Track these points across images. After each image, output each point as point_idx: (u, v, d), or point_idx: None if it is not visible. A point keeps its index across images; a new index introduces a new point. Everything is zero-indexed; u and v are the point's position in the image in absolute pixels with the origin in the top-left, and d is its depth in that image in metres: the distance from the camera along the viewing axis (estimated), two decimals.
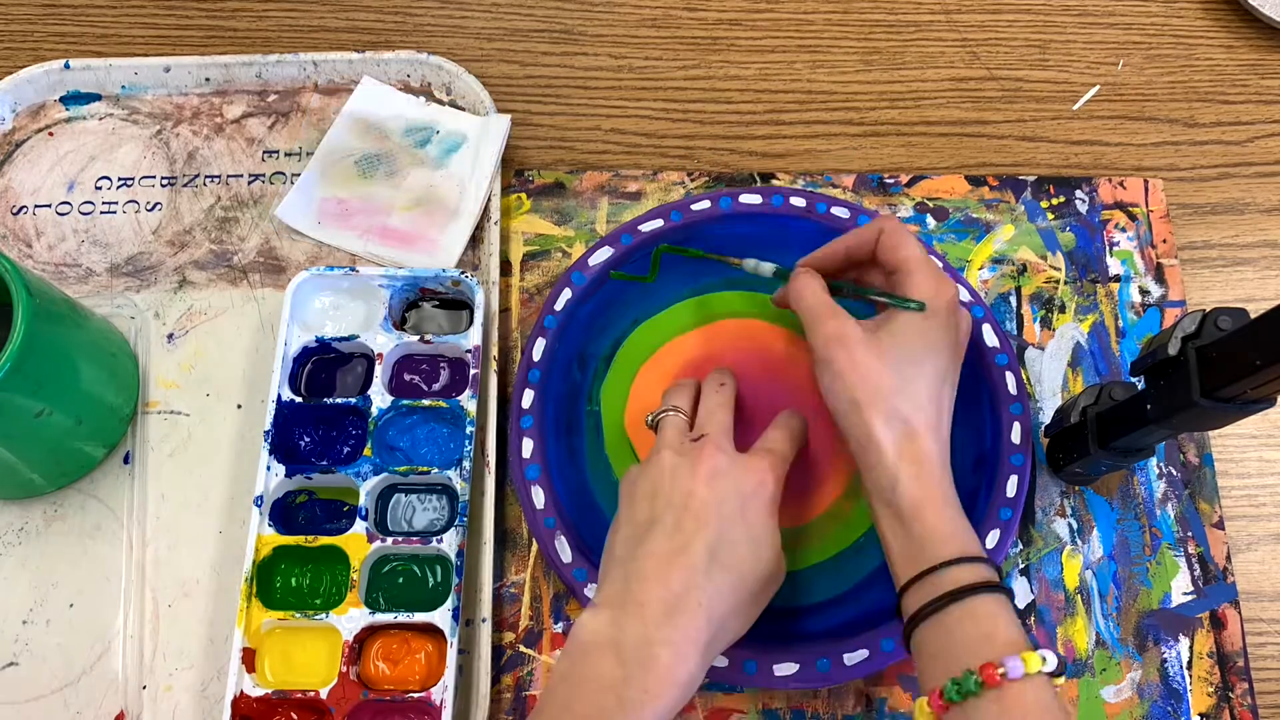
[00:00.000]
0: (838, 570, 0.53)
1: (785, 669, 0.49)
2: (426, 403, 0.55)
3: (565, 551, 0.52)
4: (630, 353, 0.58)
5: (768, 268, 0.52)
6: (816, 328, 0.47)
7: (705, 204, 0.60)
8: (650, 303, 0.59)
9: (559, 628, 0.54)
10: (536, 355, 0.56)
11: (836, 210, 0.59)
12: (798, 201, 0.60)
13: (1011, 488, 0.53)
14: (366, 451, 0.54)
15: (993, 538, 0.52)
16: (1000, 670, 0.38)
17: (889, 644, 0.49)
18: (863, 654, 0.49)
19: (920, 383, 0.45)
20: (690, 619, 0.41)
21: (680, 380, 0.54)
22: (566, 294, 0.58)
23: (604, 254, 0.58)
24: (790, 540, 0.53)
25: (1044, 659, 0.38)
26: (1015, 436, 0.54)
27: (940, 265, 0.51)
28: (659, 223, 0.59)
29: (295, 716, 0.50)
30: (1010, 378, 0.56)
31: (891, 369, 0.45)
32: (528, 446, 0.54)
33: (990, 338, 0.56)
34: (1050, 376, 0.59)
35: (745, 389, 0.55)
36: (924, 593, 0.42)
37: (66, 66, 0.64)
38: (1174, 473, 0.57)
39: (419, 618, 0.50)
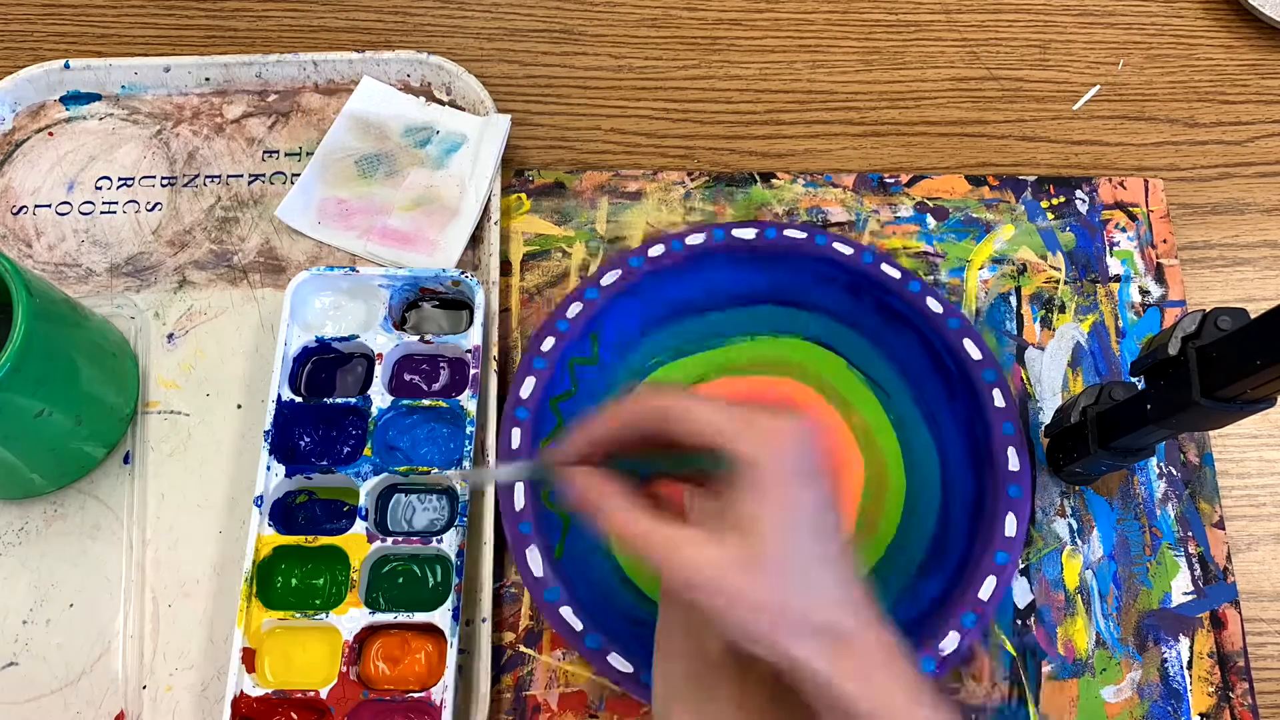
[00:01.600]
0: None
1: None
2: (426, 403, 0.55)
3: (538, 566, 0.52)
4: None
5: (522, 472, 0.49)
6: (663, 569, 0.35)
7: (700, 237, 0.59)
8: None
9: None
10: (524, 394, 0.55)
11: (840, 246, 0.58)
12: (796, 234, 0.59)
13: (1010, 527, 0.53)
14: (366, 451, 0.54)
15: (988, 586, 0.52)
16: None
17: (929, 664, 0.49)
18: None
19: (817, 562, 0.35)
20: None
21: None
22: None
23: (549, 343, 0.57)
24: None
25: None
26: (1013, 464, 0.54)
27: (724, 406, 0.35)
28: (661, 247, 0.58)
29: (295, 716, 0.50)
30: (998, 392, 0.55)
31: (779, 575, 0.34)
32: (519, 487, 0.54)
33: (975, 352, 0.56)
34: (1050, 376, 0.59)
35: None
36: None
37: (66, 66, 0.64)
38: (1174, 473, 0.57)
39: (419, 618, 0.50)
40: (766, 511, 0.34)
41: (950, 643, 0.50)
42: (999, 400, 0.55)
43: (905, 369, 0.57)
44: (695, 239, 0.58)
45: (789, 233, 0.59)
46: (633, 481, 0.37)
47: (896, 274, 0.58)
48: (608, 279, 0.57)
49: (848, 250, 0.58)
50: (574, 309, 0.57)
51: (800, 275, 0.58)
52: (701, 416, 0.35)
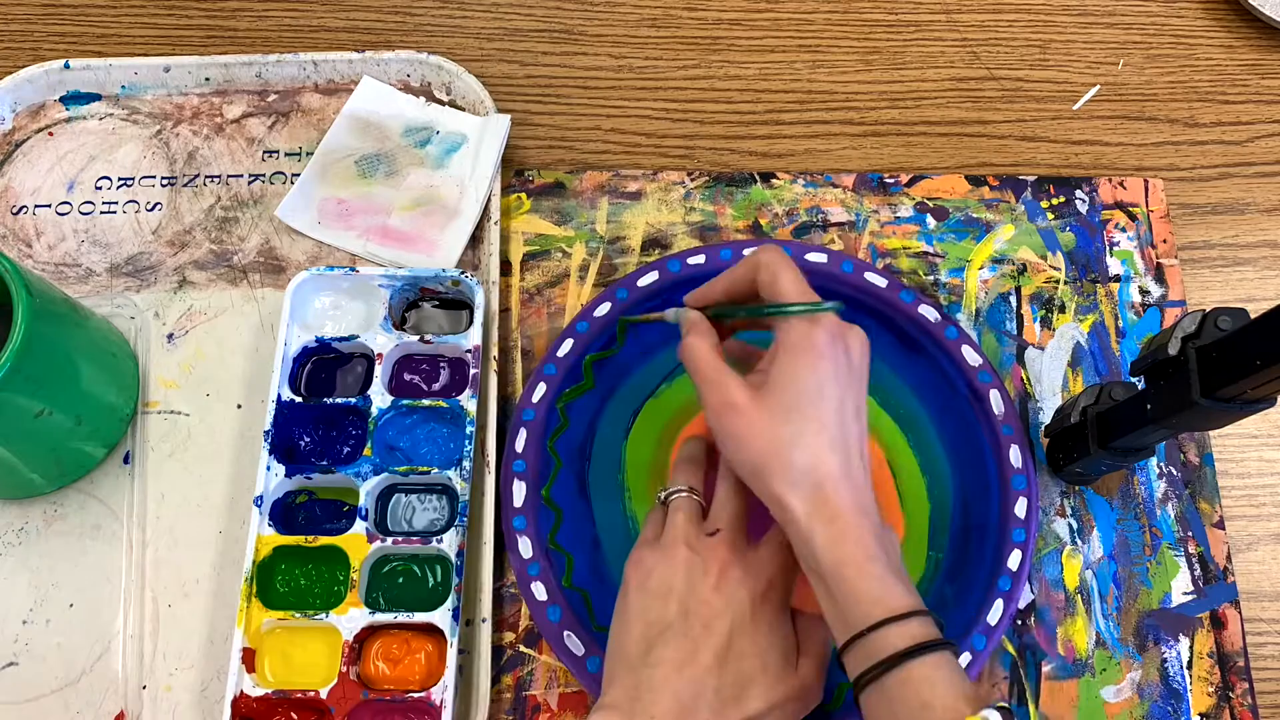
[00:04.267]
0: None
1: None
2: (426, 403, 0.55)
3: (527, 548, 0.53)
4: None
5: (674, 313, 0.49)
6: (705, 395, 0.45)
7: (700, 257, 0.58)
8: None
9: None
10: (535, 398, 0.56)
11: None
12: (816, 258, 0.59)
13: (1014, 561, 0.53)
14: (366, 451, 0.54)
15: (996, 610, 0.52)
16: None
17: None
18: None
19: (817, 427, 0.42)
20: None
21: (690, 443, 0.53)
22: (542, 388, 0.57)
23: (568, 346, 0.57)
24: None
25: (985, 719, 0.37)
26: (1020, 510, 0.53)
27: (803, 284, 0.45)
28: (655, 275, 0.58)
29: (295, 716, 0.50)
30: (1016, 451, 0.55)
31: (781, 422, 0.42)
32: (519, 493, 0.54)
33: (998, 404, 0.55)
34: (1050, 376, 0.59)
35: None
36: (859, 658, 0.41)
37: (66, 66, 0.64)
38: (1174, 473, 0.57)
39: (419, 618, 0.50)
40: (794, 372, 0.43)
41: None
42: (1015, 452, 0.54)
43: (918, 392, 0.57)
44: (695, 260, 0.59)
45: (747, 251, 0.58)
46: (720, 335, 0.47)
47: (883, 282, 0.58)
48: (645, 280, 0.58)
49: (821, 258, 0.58)
50: (602, 308, 0.57)
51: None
52: (785, 284, 0.44)
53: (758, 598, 0.45)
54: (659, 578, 0.45)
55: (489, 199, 0.61)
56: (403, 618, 0.51)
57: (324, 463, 0.55)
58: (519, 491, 0.54)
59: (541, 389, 0.56)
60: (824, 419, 0.42)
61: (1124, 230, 0.62)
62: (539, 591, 0.52)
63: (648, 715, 0.42)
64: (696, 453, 0.52)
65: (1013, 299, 0.61)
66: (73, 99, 0.65)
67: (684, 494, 0.49)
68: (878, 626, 0.40)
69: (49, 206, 0.62)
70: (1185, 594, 0.54)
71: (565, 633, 0.51)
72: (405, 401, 0.55)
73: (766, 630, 0.44)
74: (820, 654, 0.46)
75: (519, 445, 0.55)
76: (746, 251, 0.58)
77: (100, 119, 0.64)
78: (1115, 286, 0.61)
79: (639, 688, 0.43)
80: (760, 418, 0.43)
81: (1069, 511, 0.56)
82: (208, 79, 0.65)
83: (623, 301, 0.57)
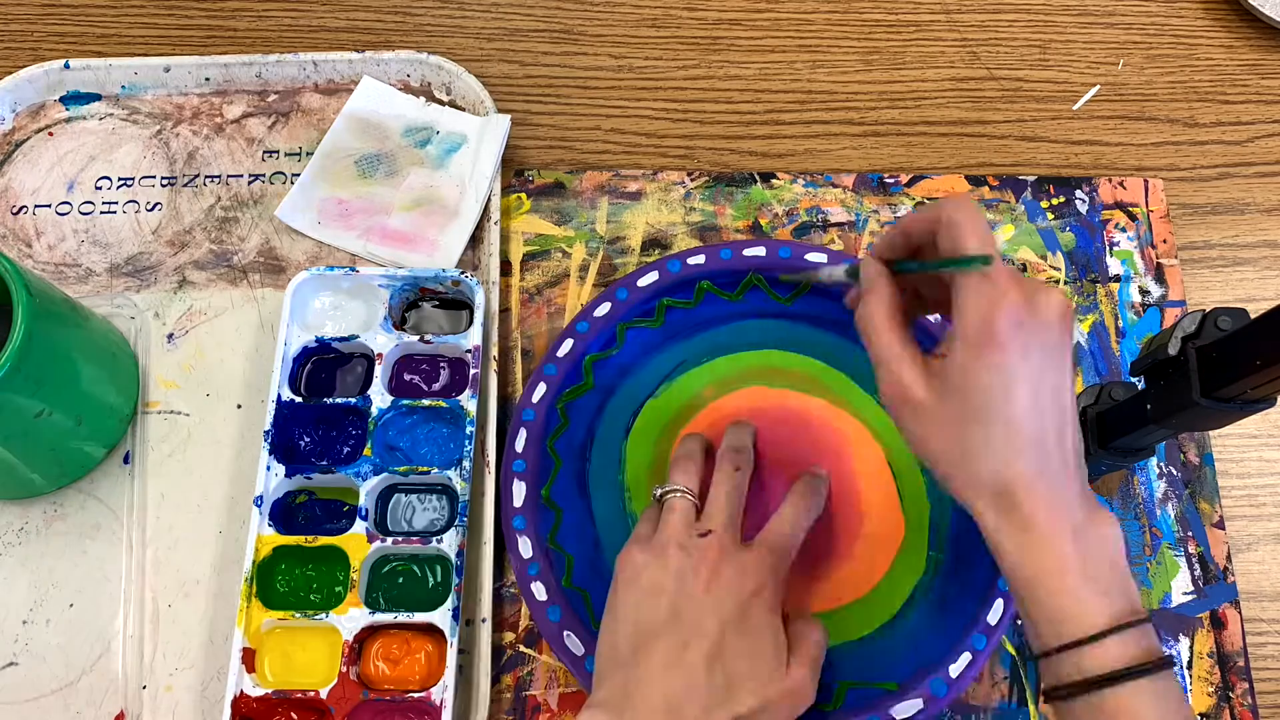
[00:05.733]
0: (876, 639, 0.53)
1: None
2: (426, 403, 0.55)
3: (527, 548, 0.53)
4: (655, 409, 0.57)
5: (839, 271, 0.46)
6: (879, 377, 0.41)
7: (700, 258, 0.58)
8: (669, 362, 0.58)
9: None
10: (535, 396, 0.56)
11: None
12: (816, 257, 0.59)
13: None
14: (366, 451, 0.54)
15: (996, 610, 0.51)
16: None
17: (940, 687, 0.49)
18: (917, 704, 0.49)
19: (1005, 431, 0.38)
20: None
21: (688, 441, 0.52)
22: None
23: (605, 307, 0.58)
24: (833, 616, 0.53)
25: None
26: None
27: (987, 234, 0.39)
28: (655, 275, 0.58)
29: (295, 716, 0.50)
30: None
31: (963, 427, 0.38)
32: (519, 493, 0.54)
33: None
34: None
35: (766, 445, 0.54)
36: (1051, 673, 0.39)
37: (66, 66, 0.64)
38: (1174, 473, 0.57)
39: (419, 618, 0.50)
40: (974, 370, 0.38)
41: (960, 665, 0.50)
42: None
43: None
44: (695, 260, 0.58)
45: (748, 251, 0.58)
46: (903, 297, 0.42)
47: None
48: (645, 280, 0.58)
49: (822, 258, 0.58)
50: (603, 308, 0.57)
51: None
52: (964, 234, 0.38)
53: (748, 599, 0.45)
54: (650, 577, 0.45)
55: (489, 199, 0.61)
56: (403, 618, 0.51)
57: (324, 463, 0.55)
58: (519, 491, 0.54)
59: (541, 389, 0.56)
60: (1012, 418, 0.38)
61: (1124, 230, 0.62)
62: (539, 591, 0.52)
63: (637, 713, 0.42)
64: (694, 451, 0.52)
65: None
66: (73, 99, 0.65)
67: (679, 493, 0.49)
68: (1067, 648, 0.38)
69: (49, 206, 0.62)
70: (1185, 594, 0.54)
71: (565, 633, 0.51)
72: (405, 401, 0.55)
73: (756, 631, 0.44)
74: (812, 656, 0.46)
75: (519, 445, 0.55)
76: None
77: (100, 119, 0.64)
78: (1115, 286, 0.61)
79: (628, 686, 0.43)
80: (938, 418, 0.39)
81: None
82: (208, 79, 0.65)
83: (623, 301, 0.57)
